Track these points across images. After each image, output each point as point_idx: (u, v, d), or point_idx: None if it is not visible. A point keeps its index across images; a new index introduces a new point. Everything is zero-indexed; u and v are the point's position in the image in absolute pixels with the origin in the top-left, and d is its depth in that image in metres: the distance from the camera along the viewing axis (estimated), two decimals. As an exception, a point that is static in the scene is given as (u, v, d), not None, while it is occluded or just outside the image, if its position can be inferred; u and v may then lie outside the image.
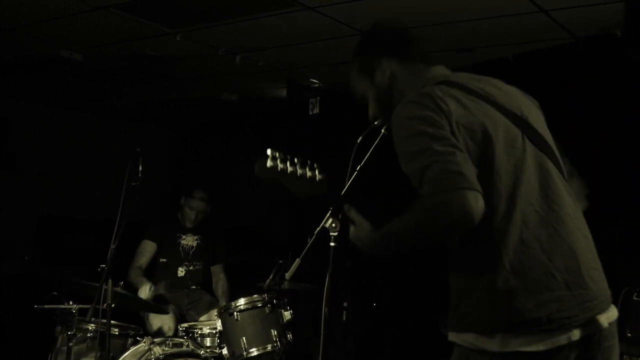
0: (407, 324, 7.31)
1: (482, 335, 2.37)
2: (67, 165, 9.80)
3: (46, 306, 5.03)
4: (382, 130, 3.28)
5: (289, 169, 2.60)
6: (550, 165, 2.55)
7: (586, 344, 2.36)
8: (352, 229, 2.71)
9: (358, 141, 3.31)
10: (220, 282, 6.59)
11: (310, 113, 8.42)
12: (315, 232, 3.46)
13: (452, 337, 2.49)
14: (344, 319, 6.69)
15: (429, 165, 2.28)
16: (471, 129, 2.42)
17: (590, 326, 2.36)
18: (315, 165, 2.65)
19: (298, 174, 2.61)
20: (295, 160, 2.63)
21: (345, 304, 6.65)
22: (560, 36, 5.97)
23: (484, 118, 2.47)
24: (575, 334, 2.32)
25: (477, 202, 2.21)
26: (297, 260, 3.70)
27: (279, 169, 2.59)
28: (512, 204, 2.39)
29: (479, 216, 2.22)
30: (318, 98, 8.36)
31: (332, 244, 3.37)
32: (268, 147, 2.59)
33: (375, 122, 3.24)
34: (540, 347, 2.29)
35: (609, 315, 2.44)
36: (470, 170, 2.26)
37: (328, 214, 3.36)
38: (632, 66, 5.50)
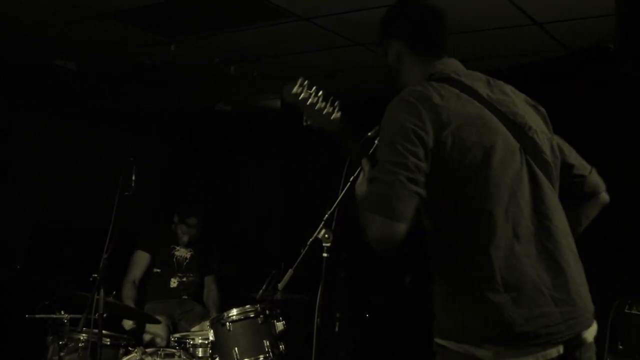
0: (399, 334, 7.31)
1: (473, 345, 2.37)
2: (62, 173, 9.75)
3: (38, 315, 5.01)
4: (376, 142, 3.29)
5: (311, 99, 2.71)
6: (544, 181, 2.54)
7: (569, 357, 2.39)
8: (360, 177, 2.76)
9: (352, 151, 3.31)
10: (211, 292, 6.58)
11: (305, 123, 8.41)
12: (308, 243, 3.46)
13: (446, 343, 2.48)
14: (337, 329, 6.68)
15: (375, 178, 2.39)
16: (464, 139, 2.41)
17: (575, 342, 2.39)
18: (336, 104, 2.73)
19: (317, 106, 2.72)
20: (320, 93, 2.72)
21: (338, 315, 6.64)
22: (553, 49, 6.00)
23: (482, 128, 2.46)
24: (561, 349, 2.35)
25: (398, 234, 2.30)
26: (290, 271, 3.70)
27: (301, 96, 2.71)
28: (506, 217, 2.41)
29: (392, 244, 2.31)
30: (312, 109, 8.36)
31: (324, 254, 3.38)
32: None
33: (369, 133, 3.25)
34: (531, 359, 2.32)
35: (592, 330, 2.46)
36: (405, 198, 2.32)
37: (321, 225, 3.36)
38: (625, 79, 5.52)
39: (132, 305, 6.10)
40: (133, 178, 4.80)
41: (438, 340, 2.51)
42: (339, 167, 3.35)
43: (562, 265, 2.44)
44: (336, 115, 2.73)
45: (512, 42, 5.90)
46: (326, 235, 3.35)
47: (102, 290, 4.62)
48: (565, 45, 5.95)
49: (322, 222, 3.37)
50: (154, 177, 10.10)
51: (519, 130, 2.55)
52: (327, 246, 3.36)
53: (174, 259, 6.50)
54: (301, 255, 3.52)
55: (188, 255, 6.56)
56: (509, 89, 2.73)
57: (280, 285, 3.86)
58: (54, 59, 7.13)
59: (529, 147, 2.55)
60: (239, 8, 5.64)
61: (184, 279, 6.48)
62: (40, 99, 9.13)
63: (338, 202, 3.37)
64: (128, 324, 5.90)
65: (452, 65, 2.74)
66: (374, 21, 5.60)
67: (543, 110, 2.79)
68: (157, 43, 6.56)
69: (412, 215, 2.33)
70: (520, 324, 2.32)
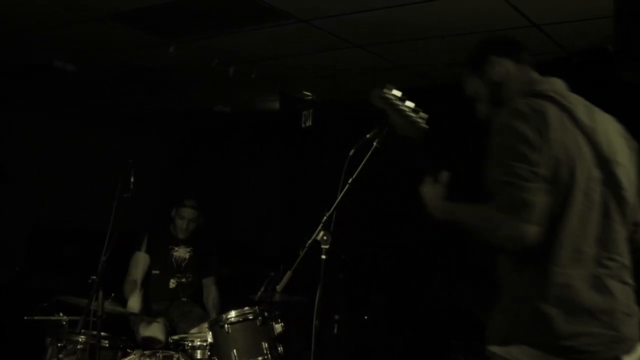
0: (399, 336, 7.30)
1: (518, 346, 2.54)
2: (62, 173, 9.76)
3: (36, 317, 5.01)
4: (374, 144, 3.29)
5: (400, 105, 2.87)
6: (616, 215, 2.66)
7: None
8: (428, 184, 2.88)
9: (350, 154, 3.31)
10: (211, 294, 6.57)
11: (303, 125, 8.43)
12: (307, 245, 3.46)
13: (496, 349, 2.63)
14: (336, 331, 6.67)
15: (507, 182, 2.47)
16: (559, 159, 2.54)
17: None
18: (422, 115, 2.88)
19: (404, 113, 2.87)
20: (408, 103, 2.89)
21: (336, 317, 6.64)
22: (552, 50, 5.99)
23: (575, 153, 2.59)
24: None
25: (530, 236, 2.42)
26: (289, 273, 3.69)
27: (391, 101, 2.88)
28: (573, 241, 2.55)
29: (527, 246, 2.43)
30: (311, 110, 8.37)
31: (323, 256, 3.38)
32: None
33: (368, 136, 3.26)
34: None
35: (634, 356, 2.59)
36: (540, 203, 2.45)
37: (320, 227, 3.36)
38: (623, 81, 5.51)
39: (137, 297, 6.08)
40: (132, 179, 4.80)
41: (489, 348, 2.65)
42: (338, 169, 3.35)
43: (613, 293, 2.58)
44: (421, 124, 2.86)
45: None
46: (325, 237, 3.35)
47: (100, 292, 4.62)
48: (563, 46, 5.94)
49: (321, 224, 3.37)
50: (153, 178, 10.10)
51: (604, 162, 2.67)
52: (325, 248, 3.37)
53: (173, 260, 6.49)
54: (300, 257, 3.52)
55: (187, 256, 6.55)
56: (606, 117, 2.85)
57: (279, 287, 3.85)
58: (53, 60, 7.14)
59: (610, 180, 2.68)
60: (238, 10, 5.64)
61: (183, 280, 6.47)
62: (39, 99, 9.14)
63: (337, 204, 3.37)
64: (134, 302, 5.88)
65: (555, 85, 2.87)
66: (372, 23, 5.65)
67: (636, 144, 2.92)
68: (156, 44, 6.56)
69: (544, 221, 2.45)
70: (565, 338, 2.49)
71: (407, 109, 2.86)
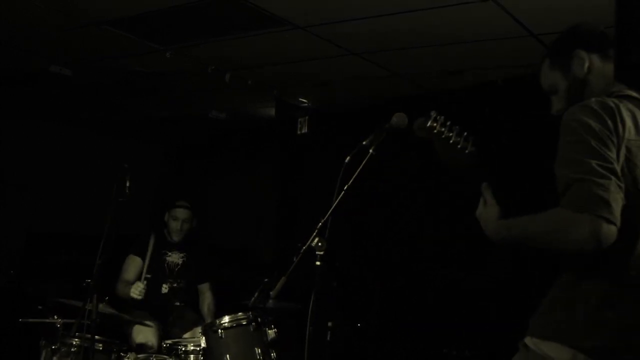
0: (391, 345, 7.30)
1: (563, 347, 2.41)
2: (55, 179, 9.77)
3: (31, 320, 5.01)
4: (370, 151, 3.30)
5: (445, 133, 2.65)
6: None
7: None
8: (480, 207, 2.71)
9: (346, 161, 3.32)
10: (206, 300, 6.57)
11: (299, 132, 8.44)
12: (301, 251, 3.47)
13: (529, 341, 2.53)
14: (329, 338, 6.67)
15: (580, 179, 2.29)
16: (630, 159, 2.42)
17: None
18: (470, 138, 2.68)
19: (452, 140, 2.65)
20: (453, 128, 2.67)
21: (329, 324, 6.64)
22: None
23: None
24: None
25: (609, 235, 2.23)
26: (283, 279, 3.70)
27: (436, 130, 2.65)
28: (636, 243, 2.45)
29: (605, 247, 2.24)
30: (307, 117, 8.38)
31: (317, 263, 3.39)
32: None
33: (364, 142, 3.27)
34: None
35: None
36: (617, 202, 2.27)
37: (314, 233, 3.37)
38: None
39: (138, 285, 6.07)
40: (127, 184, 4.81)
41: (526, 340, 2.55)
42: (334, 175, 3.36)
43: None
44: (470, 149, 2.69)
45: (508, 54, 5.91)
46: (319, 244, 3.36)
47: (95, 296, 4.62)
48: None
49: (316, 231, 3.38)
50: (148, 183, 10.11)
51: None
52: (320, 254, 3.37)
53: (166, 265, 6.49)
54: (294, 263, 3.53)
55: (180, 262, 6.54)
56: None
57: (272, 293, 3.86)
58: (49, 65, 7.14)
59: None
60: (235, 16, 5.65)
61: (175, 285, 6.46)
62: (35, 105, 9.14)
63: (332, 211, 3.38)
64: (139, 287, 5.90)
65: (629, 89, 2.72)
66: (369, 31, 5.66)
67: None
68: (152, 50, 6.57)
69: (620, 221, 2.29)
70: (614, 346, 2.38)
71: (454, 137, 2.67)
